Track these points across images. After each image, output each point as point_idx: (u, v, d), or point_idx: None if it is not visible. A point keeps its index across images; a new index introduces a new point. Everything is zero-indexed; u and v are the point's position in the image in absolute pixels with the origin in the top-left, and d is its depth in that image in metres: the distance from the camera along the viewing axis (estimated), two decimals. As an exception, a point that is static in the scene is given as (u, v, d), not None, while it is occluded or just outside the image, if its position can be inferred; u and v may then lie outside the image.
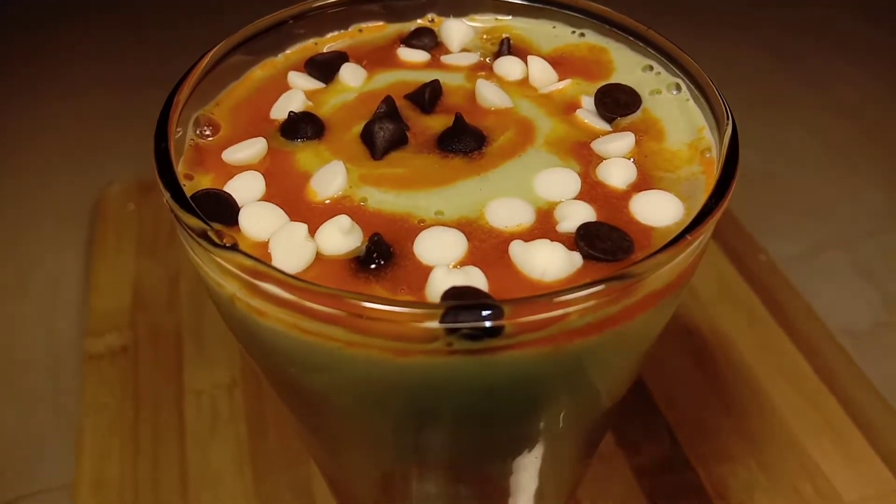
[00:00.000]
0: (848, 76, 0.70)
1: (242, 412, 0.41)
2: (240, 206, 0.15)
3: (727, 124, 0.16)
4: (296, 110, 0.18)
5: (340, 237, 0.15)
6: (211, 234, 0.14)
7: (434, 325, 0.13)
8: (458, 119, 0.17)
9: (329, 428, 0.17)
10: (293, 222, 0.15)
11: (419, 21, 0.21)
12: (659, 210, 0.15)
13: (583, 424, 0.18)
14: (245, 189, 0.16)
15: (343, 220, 0.15)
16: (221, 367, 0.44)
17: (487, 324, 0.12)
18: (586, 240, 0.15)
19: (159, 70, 0.73)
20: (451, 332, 0.13)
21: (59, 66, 0.74)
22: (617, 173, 0.16)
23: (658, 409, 0.41)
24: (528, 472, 0.18)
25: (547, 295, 0.13)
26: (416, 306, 0.13)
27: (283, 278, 0.13)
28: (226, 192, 0.16)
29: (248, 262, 0.13)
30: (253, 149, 0.17)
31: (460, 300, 0.13)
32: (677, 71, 0.19)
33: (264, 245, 0.14)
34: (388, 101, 0.18)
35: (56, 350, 0.48)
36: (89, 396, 0.42)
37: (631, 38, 0.20)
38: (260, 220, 0.15)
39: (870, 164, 0.60)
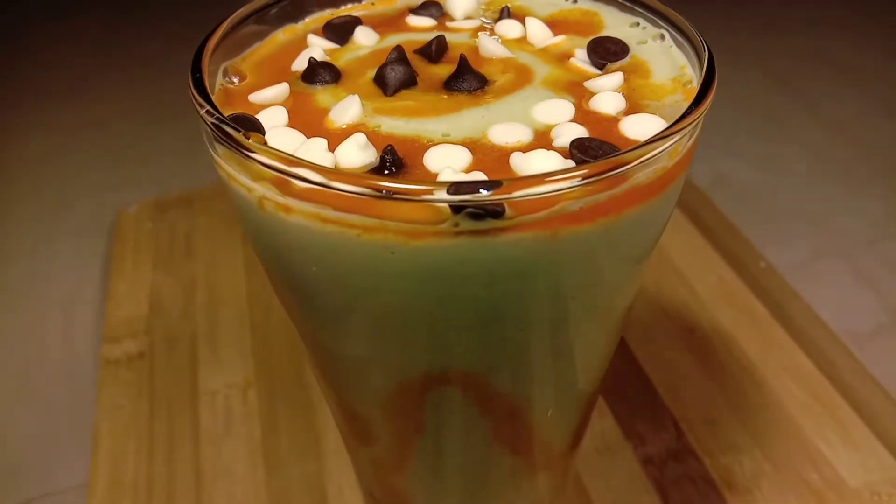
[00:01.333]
0: (840, 97, 0.72)
1: (256, 412, 0.42)
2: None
3: (705, 52, 0.18)
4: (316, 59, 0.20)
5: (357, 151, 0.16)
6: (244, 134, 0.16)
7: (442, 196, 0.14)
8: (463, 60, 0.19)
9: (342, 337, 0.18)
10: (314, 138, 0.17)
11: (427, -5, 0.23)
12: (645, 127, 0.17)
13: (585, 340, 0.19)
14: (270, 118, 0.18)
15: (359, 136, 0.16)
16: (235, 369, 0.45)
17: (486, 192, 0.14)
18: (579, 149, 0.16)
19: (178, 99, 0.76)
20: (457, 210, 0.15)
21: (80, 94, 0.77)
22: (607, 102, 0.18)
23: (663, 403, 0.42)
24: (533, 390, 0.19)
25: (541, 175, 0.14)
26: (426, 183, 0.15)
27: (311, 164, 0.15)
28: (253, 116, 0.18)
29: (280, 154, 0.15)
30: (277, 90, 0.19)
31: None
32: (661, 23, 0.21)
33: (280, 180, 0.16)
34: (399, 49, 0.20)
35: (73, 358, 0.49)
36: (106, 398, 0.43)
37: (620, 0, 0.22)
38: (284, 137, 0.17)
39: (865, 178, 0.62)
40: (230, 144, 0.16)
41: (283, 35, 0.22)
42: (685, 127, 0.16)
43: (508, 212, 0.15)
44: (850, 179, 0.62)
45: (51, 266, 0.56)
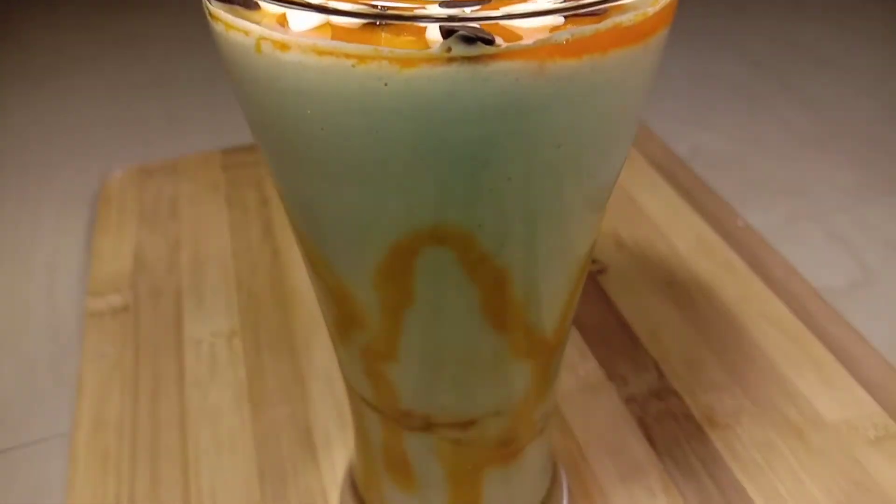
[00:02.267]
0: (812, 77, 0.74)
1: (241, 358, 0.42)
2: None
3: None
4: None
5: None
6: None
7: (434, 11, 0.15)
8: None
9: (336, 194, 0.19)
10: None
11: None
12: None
13: (568, 207, 0.20)
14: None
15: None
16: (220, 320, 0.45)
17: (471, 11, 0.15)
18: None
19: (162, 71, 0.77)
20: (448, 34, 0.15)
21: (62, 68, 0.77)
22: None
23: (644, 348, 0.43)
24: (517, 254, 0.20)
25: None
26: (417, 1, 0.15)
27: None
28: None
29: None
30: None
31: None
32: None
33: (282, 16, 0.16)
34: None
35: (57, 314, 0.49)
36: (90, 347, 0.43)
37: None
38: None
39: (836, 151, 0.64)
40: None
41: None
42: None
43: (498, 40, 0.15)
44: (823, 152, 0.64)
45: (35, 230, 0.56)
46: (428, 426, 0.26)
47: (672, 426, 0.38)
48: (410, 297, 0.21)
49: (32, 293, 0.50)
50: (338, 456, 0.37)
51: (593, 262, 0.48)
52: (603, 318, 0.44)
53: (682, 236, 0.50)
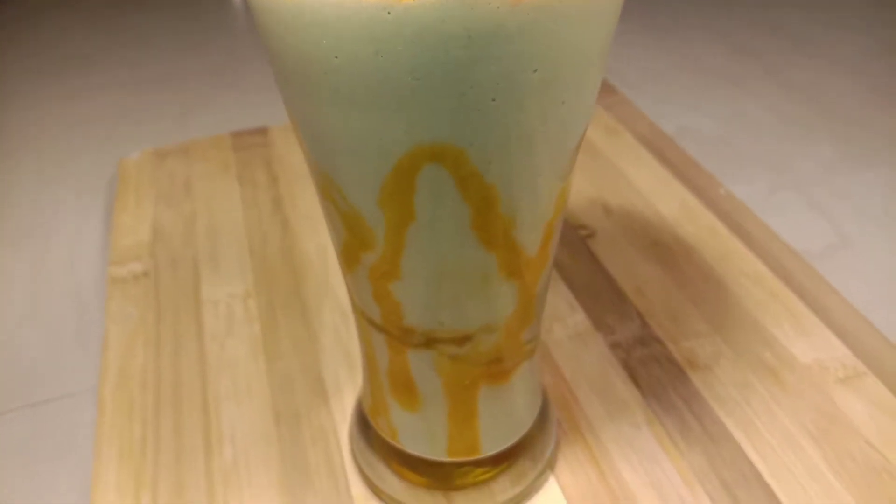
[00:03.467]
0: (796, 63, 0.77)
1: (256, 316, 0.46)
2: None
3: None
4: None
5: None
6: None
7: None
8: None
9: (344, 117, 0.22)
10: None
11: None
12: None
13: (547, 131, 0.23)
14: None
15: None
16: (236, 282, 0.48)
17: None
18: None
19: (173, 63, 0.80)
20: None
21: (78, 62, 0.81)
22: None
23: (630, 301, 0.46)
24: (504, 170, 0.23)
25: None
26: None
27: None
28: None
29: None
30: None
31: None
32: None
33: None
34: None
35: (80, 283, 0.52)
36: (114, 308, 0.46)
37: None
38: None
39: (817, 128, 0.67)
40: None
41: None
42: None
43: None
44: (805, 130, 0.67)
45: (56, 210, 0.60)
46: (428, 343, 0.29)
47: (655, 369, 0.41)
48: (412, 214, 0.24)
49: (56, 266, 0.54)
50: (348, 400, 0.40)
51: (582, 226, 0.51)
52: (591, 277, 0.47)
53: (667, 203, 0.53)
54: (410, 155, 0.22)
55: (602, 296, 0.46)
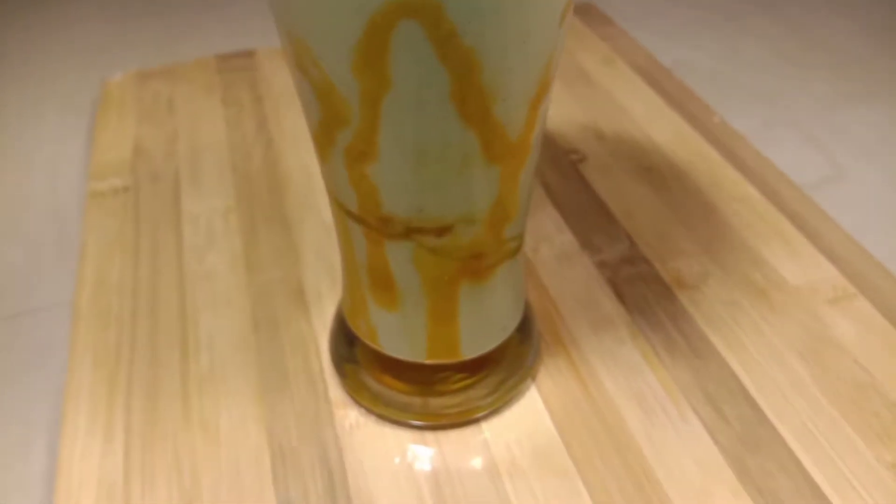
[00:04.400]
0: (796, 1, 0.75)
1: (237, 230, 0.45)
2: None
3: None
4: None
5: None
6: None
7: None
8: None
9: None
10: None
11: None
12: None
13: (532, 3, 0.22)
14: None
15: None
16: (218, 199, 0.47)
17: None
18: None
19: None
20: None
21: None
22: None
23: (618, 222, 0.45)
24: (483, 30, 0.22)
25: None
26: None
27: None
28: None
29: None
30: None
31: None
32: None
33: None
34: None
35: (59, 201, 0.51)
36: (92, 221, 0.45)
37: None
38: None
39: (814, 64, 0.65)
40: None
41: None
42: None
43: None
44: (801, 66, 0.66)
45: (38, 129, 0.58)
46: (407, 233, 0.28)
47: (642, 287, 0.41)
48: (388, 82, 0.23)
49: (37, 181, 0.53)
50: (328, 310, 0.39)
51: (574, 151, 0.50)
52: (580, 200, 0.47)
53: (661, 130, 0.52)
54: (385, 8, 0.21)
55: (590, 217, 0.45)
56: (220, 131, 0.53)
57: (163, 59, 0.67)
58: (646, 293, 0.40)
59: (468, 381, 0.34)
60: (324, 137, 0.27)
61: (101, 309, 0.40)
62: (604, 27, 0.64)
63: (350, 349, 0.35)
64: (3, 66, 0.67)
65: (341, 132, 0.26)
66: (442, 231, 0.28)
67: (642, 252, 0.43)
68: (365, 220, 0.28)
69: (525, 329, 0.35)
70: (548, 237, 0.44)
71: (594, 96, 0.56)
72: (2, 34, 0.72)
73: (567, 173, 0.48)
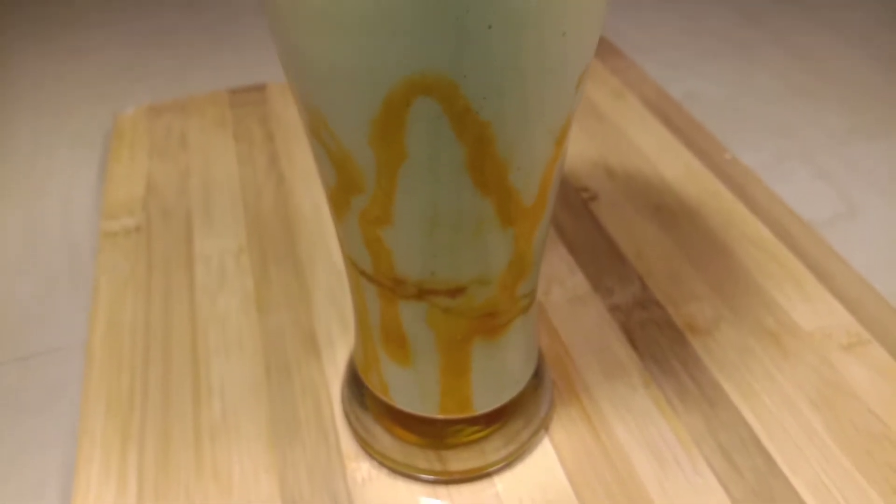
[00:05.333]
0: (806, 30, 0.75)
1: (249, 271, 0.45)
2: None
3: None
4: None
5: None
6: None
7: None
8: None
9: (336, 45, 0.21)
10: None
11: None
12: None
13: (544, 67, 0.22)
14: None
15: None
16: (229, 238, 0.47)
17: None
18: None
19: (169, 18, 0.79)
20: None
21: (75, 20, 0.79)
22: None
23: (630, 264, 0.45)
24: (498, 107, 0.22)
25: None
26: None
27: None
28: None
29: None
30: None
31: None
32: None
33: None
34: None
35: (72, 238, 0.51)
36: (105, 261, 0.46)
37: None
38: None
39: (826, 97, 0.65)
40: None
41: None
42: None
43: None
44: (813, 98, 0.66)
45: (50, 163, 0.59)
46: (420, 294, 0.28)
47: (654, 332, 0.41)
48: (403, 154, 0.23)
49: (49, 216, 0.53)
50: (340, 355, 0.39)
51: (584, 189, 0.50)
52: (592, 240, 0.47)
53: (671, 167, 0.52)
54: (402, 86, 0.21)
55: (602, 258, 0.45)
56: (231, 167, 0.53)
57: (175, 89, 0.67)
58: (658, 338, 0.40)
59: (481, 434, 0.34)
60: (338, 200, 0.27)
61: (114, 352, 0.40)
62: (614, 59, 0.64)
63: (362, 399, 0.35)
64: (15, 95, 0.68)
65: (356, 198, 0.26)
66: (455, 292, 0.28)
67: (654, 295, 0.43)
68: (378, 280, 0.28)
69: (538, 379, 0.35)
70: (560, 279, 0.44)
71: (605, 132, 0.56)
72: (15, 64, 0.73)
73: (578, 212, 0.48)
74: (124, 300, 0.43)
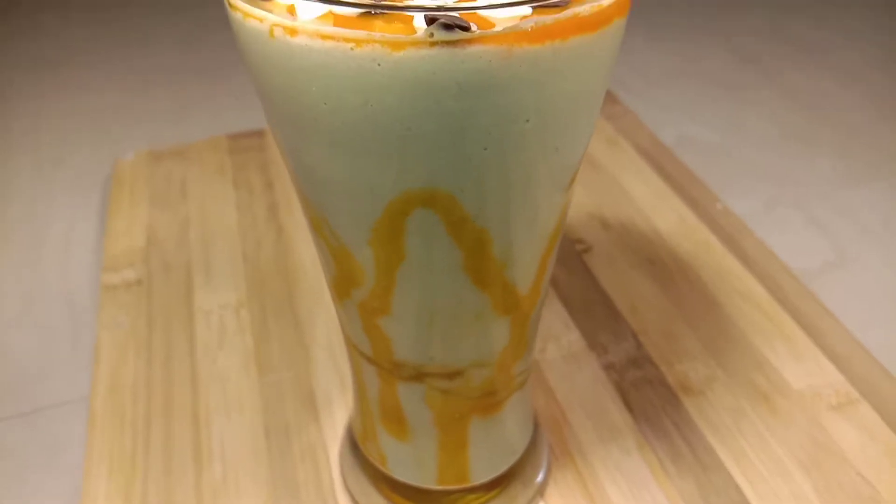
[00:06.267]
0: (797, 70, 0.76)
1: (248, 328, 0.45)
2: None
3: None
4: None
5: (349, -6, 0.20)
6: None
7: (419, 2, 0.18)
8: None
9: (337, 160, 0.22)
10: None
11: None
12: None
13: (537, 176, 0.23)
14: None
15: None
16: (229, 292, 0.48)
17: (453, 1, 0.17)
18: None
19: (169, 60, 0.80)
20: (431, 22, 0.18)
21: (74, 60, 0.80)
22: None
23: (624, 320, 0.45)
24: (494, 215, 0.23)
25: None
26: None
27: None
28: None
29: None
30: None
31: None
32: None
33: (291, 6, 0.19)
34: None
35: (73, 289, 0.52)
36: (106, 317, 0.46)
37: None
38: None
39: (818, 140, 0.66)
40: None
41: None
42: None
43: (473, 27, 0.18)
44: (804, 141, 0.67)
45: (50, 210, 0.59)
46: (419, 376, 0.29)
47: (648, 392, 0.41)
48: (402, 255, 0.24)
49: (49, 269, 0.53)
50: (338, 416, 0.40)
51: (579, 241, 0.51)
52: (587, 293, 0.47)
53: (664, 218, 0.53)
54: (401, 199, 0.22)
55: (597, 313, 0.46)
56: (231, 217, 0.54)
57: (174, 129, 0.68)
58: (652, 398, 0.41)
59: (480, 500, 0.34)
60: (338, 289, 0.28)
61: (117, 412, 0.41)
62: (609, 105, 0.65)
63: (360, 467, 0.36)
64: (14, 137, 0.69)
65: (356, 290, 0.26)
66: (453, 375, 0.29)
67: (648, 353, 0.43)
68: (378, 362, 0.29)
69: (534, 445, 0.36)
70: (556, 336, 0.44)
71: (599, 181, 0.57)
72: (12, 105, 0.74)
73: (573, 266, 0.49)
74: (126, 358, 0.44)
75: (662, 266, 0.49)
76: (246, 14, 0.20)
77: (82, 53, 0.82)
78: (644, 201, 0.54)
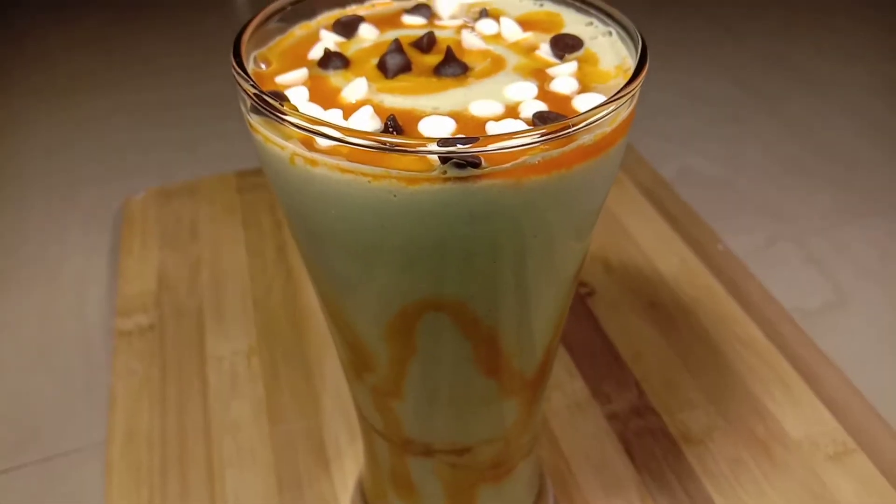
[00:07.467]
0: (797, 99, 0.77)
1: (260, 375, 0.47)
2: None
3: (639, 44, 0.23)
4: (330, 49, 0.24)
5: (366, 119, 0.21)
6: (282, 103, 0.20)
7: (433, 148, 0.19)
8: (449, 51, 0.24)
9: (355, 272, 0.23)
10: (331, 109, 0.21)
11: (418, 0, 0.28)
12: (593, 103, 0.21)
13: (545, 279, 0.24)
14: (295, 95, 0.22)
15: (368, 108, 0.21)
16: (240, 338, 0.49)
17: (466, 145, 0.19)
18: (540, 119, 0.21)
19: (178, 95, 0.81)
20: (444, 161, 0.19)
21: (82, 91, 0.81)
22: (564, 84, 0.23)
23: (627, 368, 0.46)
24: (503, 317, 0.24)
25: (508, 133, 0.19)
26: (421, 138, 0.19)
27: (334, 124, 0.19)
28: (282, 92, 0.22)
29: (309, 117, 0.19)
30: (299, 74, 0.24)
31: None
32: (609, 22, 0.26)
33: (308, 138, 0.20)
34: (397, 41, 0.24)
35: (87, 331, 0.53)
36: (120, 365, 0.47)
37: (577, 3, 0.27)
38: (307, 110, 0.21)
39: (817, 172, 0.67)
40: (268, 111, 0.20)
41: (299, 30, 0.27)
42: (618, 99, 0.20)
43: (483, 163, 0.19)
44: (804, 173, 0.67)
45: (61, 250, 0.60)
46: (428, 452, 0.30)
47: (650, 442, 0.42)
48: (414, 349, 0.25)
49: (62, 312, 0.54)
50: (348, 467, 0.41)
51: (583, 284, 0.52)
52: (590, 340, 0.48)
53: (667, 261, 0.54)
54: (414, 304, 0.23)
55: (601, 362, 0.47)
56: (241, 259, 0.55)
57: (185, 161, 0.69)
58: (654, 449, 0.42)
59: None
60: (353, 373, 0.29)
61: (132, 465, 0.42)
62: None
63: (371, 523, 0.37)
64: (26, 172, 0.70)
65: (369, 375, 0.27)
66: (462, 451, 0.30)
67: (650, 402, 0.44)
68: (388, 437, 0.30)
69: (541, 497, 0.37)
70: (560, 384, 0.45)
71: (602, 222, 0.57)
72: (23, 137, 0.75)
73: (577, 310, 0.50)
74: (140, 406, 0.45)
75: (664, 310, 0.50)
76: (267, 139, 0.21)
77: (92, 82, 0.83)
78: (647, 243, 0.55)
